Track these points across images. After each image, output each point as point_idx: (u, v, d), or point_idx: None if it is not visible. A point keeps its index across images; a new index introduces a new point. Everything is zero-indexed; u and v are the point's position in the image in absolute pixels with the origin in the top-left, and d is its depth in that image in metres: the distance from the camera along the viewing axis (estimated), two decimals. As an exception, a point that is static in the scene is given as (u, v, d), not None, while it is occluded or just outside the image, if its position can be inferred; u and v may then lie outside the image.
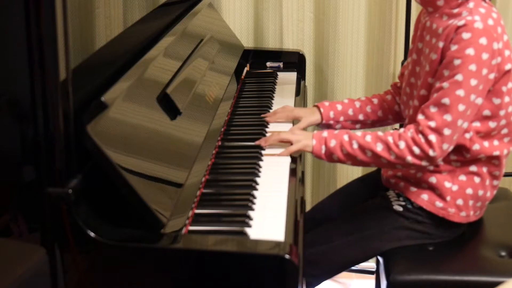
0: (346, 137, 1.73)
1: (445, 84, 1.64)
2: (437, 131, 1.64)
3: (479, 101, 1.66)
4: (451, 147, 1.68)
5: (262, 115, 2.01)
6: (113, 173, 1.26)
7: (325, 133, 1.75)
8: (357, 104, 2.02)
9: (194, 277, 1.27)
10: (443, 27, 1.69)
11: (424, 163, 1.68)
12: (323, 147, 1.74)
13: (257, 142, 1.80)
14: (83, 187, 1.26)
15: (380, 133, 1.71)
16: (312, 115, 1.99)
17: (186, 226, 1.39)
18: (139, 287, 1.29)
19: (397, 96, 2.02)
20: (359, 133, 1.74)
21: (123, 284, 1.30)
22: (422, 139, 1.66)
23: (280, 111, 2.01)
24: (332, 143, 1.73)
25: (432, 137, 1.65)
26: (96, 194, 1.30)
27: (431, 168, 1.76)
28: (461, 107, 1.63)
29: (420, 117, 1.67)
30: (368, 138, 1.71)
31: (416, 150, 1.66)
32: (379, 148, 1.69)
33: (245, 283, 1.26)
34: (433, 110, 1.65)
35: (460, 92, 1.63)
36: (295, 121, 2.00)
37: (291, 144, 1.76)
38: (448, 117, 1.64)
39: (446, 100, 1.63)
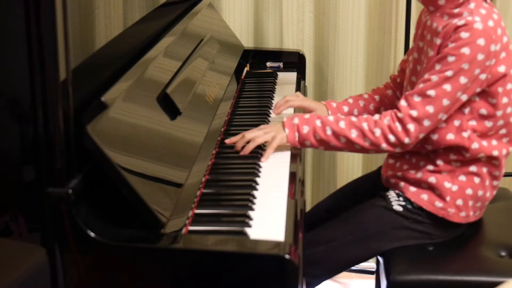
0: (318, 123, 1.73)
1: (434, 77, 1.65)
2: (418, 121, 1.66)
3: (464, 97, 1.67)
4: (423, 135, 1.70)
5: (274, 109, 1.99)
6: (113, 173, 1.26)
7: (296, 120, 1.75)
8: (361, 103, 2.02)
9: (194, 277, 1.27)
10: (443, 26, 1.69)
11: (397, 150, 1.71)
12: (296, 134, 1.74)
13: (228, 141, 1.78)
14: (83, 187, 1.26)
15: (353, 119, 1.72)
16: (322, 112, 1.99)
17: (186, 226, 1.39)
18: (139, 287, 1.29)
19: (397, 91, 2.02)
20: (331, 117, 1.74)
21: (123, 284, 1.30)
22: (399, 128, 1.67)
23: (293, 99, 2.00)
24: (305, 129, 1.73)
25: (411, 126, 1.66)
26: (96, 194, 1.30)
27: (431, 168, 1.76)
28: (445, 102, 1.65)
29: (402, 103, 1.69)
30: (342, 124, 1.72)
31: (392, 138, 1.68)
32: (353, 135, 1.70)
33: (245, 283, 1.26)
34: (416, 99, 1.66)
35: (447, 87, 1.64)
36: (300, 110, 2.01)
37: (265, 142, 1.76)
38: (430, 109, 1.65)
39: (431, 92, 1.65)
